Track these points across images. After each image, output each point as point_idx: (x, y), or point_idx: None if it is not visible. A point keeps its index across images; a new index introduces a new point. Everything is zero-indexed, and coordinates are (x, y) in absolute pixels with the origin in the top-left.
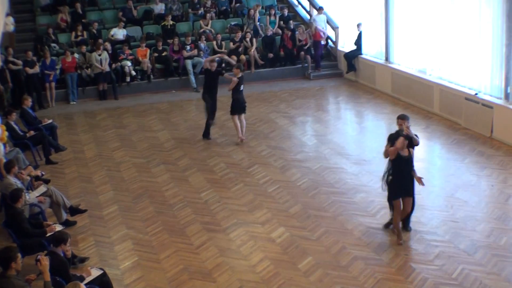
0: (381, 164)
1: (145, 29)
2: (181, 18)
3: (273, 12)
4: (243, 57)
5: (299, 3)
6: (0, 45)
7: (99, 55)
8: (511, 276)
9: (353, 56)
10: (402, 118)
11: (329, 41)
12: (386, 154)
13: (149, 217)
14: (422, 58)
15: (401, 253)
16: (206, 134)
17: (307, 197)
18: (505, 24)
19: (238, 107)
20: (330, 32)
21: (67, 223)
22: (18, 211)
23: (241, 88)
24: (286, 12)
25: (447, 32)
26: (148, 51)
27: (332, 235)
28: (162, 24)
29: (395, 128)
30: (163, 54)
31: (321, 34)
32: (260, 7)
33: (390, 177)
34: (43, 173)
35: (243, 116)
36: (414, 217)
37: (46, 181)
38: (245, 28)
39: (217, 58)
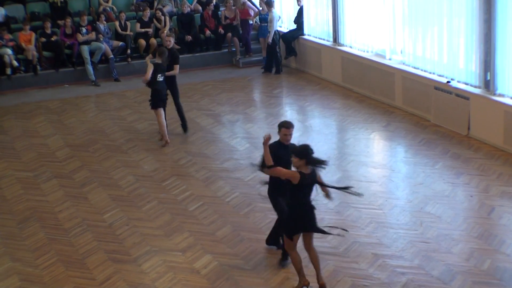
0: (328, 171)
1: (29, 8)
2: None
3: None
4: (153, 41)
5: None
6: None
7: None
8: None
9: (293, 38)
10: (286, 127)
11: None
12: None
13: (39, 246)
14: (380, 38)
15: (360, 283)
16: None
17: (238, 216)
18: None
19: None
20: None
21: None
22: None
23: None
24: None
25: (410, 5)
26: (34, 35)
27: (272, 262)
28: (51, 1)
29: (346, 126)
30: (53, 39)
31: (250, 11)
32: None
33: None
34: None
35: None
36: (374, 238)
37: None
38: (155, 4)
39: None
